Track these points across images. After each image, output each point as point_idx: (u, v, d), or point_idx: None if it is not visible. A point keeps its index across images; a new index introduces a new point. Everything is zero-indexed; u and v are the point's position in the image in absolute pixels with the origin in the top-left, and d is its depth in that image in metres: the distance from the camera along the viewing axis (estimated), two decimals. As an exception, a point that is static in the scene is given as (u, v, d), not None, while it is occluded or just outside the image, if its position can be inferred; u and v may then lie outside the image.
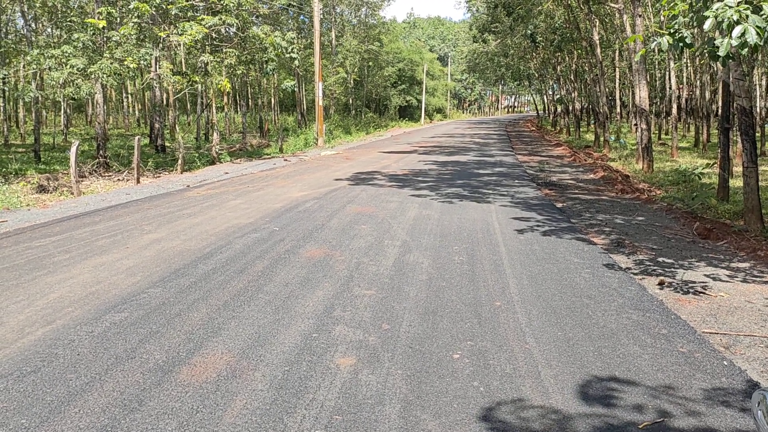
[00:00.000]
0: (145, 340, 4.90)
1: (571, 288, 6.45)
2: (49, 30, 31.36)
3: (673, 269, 7.30)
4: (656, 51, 28.39)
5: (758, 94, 24.30)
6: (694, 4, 6.45)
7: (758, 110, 23.75)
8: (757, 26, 5.65)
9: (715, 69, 25.02)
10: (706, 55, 6.52)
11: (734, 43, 5.65)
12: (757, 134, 14.60)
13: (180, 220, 10.08)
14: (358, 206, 11.45)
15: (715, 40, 5.98)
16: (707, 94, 27.03)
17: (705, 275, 7.06)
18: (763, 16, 5.70)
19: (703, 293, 6.36)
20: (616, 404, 3.93)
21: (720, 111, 13.72)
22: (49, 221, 10.26)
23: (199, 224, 9.72)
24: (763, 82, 25.51)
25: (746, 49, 5.60)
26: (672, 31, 6.62)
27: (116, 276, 6.75)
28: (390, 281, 6.61)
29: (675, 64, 26.80)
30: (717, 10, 5.81)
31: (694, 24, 6.55)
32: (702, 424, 3.70)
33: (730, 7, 5.80)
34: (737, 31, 5.63)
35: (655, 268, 7.37)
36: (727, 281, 6.84)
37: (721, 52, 5.76)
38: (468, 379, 4.27)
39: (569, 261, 7.59)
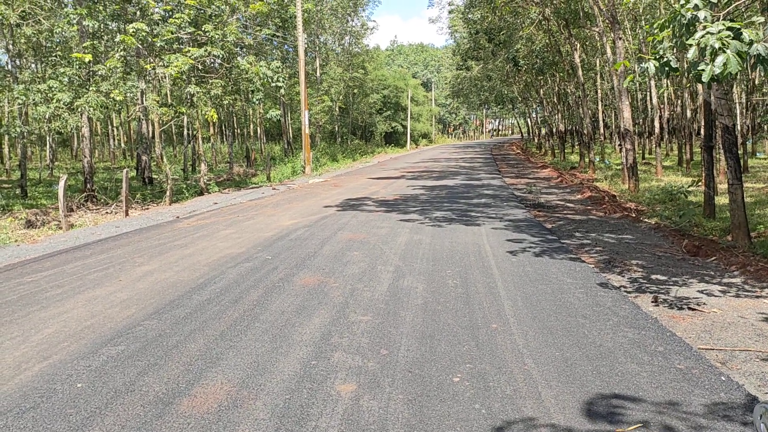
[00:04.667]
0: (143, 373, 4.87)
1: (565, 308, 6.49)
2: (33, 66, 31.39)
3: (665, 287, 7.37)
4: (638, 74, 28.90)
5: (738, 111, 24.72)
6: (677, 32, 6.59)
7: (739, 127, 24.13)
8: (738, 51, 5.80)
9: (695, 88, 25.48)
10: (691, 77, 6.65)
11: (717, 71, 5.78)
12: (739, 151, 14.78)
13: (172, 252, 10.05)
14: (349, 233, 11.47)
15: (699, 64, 6.11)
16: (688, 113, 27.46)
17: (697, 292, 7.13)
18: (744, 41, 5.85)
19: (697, 310, 6.42)
20: (619, 421, 3.95)
21: (702, 130, 13.95)
22: (39, 256, 10.20)
23: (191, 255, 9.71)
24: (743, 100, 25.95)
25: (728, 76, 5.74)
26: (657, 56, 6.76)
27: (111, 309, 6.72)
28: (386, 306, 6.62)
29: (658, 88, 27.22)
30: (700, 38, 5.95)
31: (678, 47, 6.70)
32: (704, 439, 3.74)
33: (712, 34, 5.94)
34: (719, 61, 5.77)
35: (647, 285, 7.43)
36: (719, 297, 6.91)
37: (704, 79, 5.88)
38: (469, 402, 4.28)
39: (562, 281, 7.64)
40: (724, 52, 5.77)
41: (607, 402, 4.24)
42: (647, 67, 6.56)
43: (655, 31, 6.88)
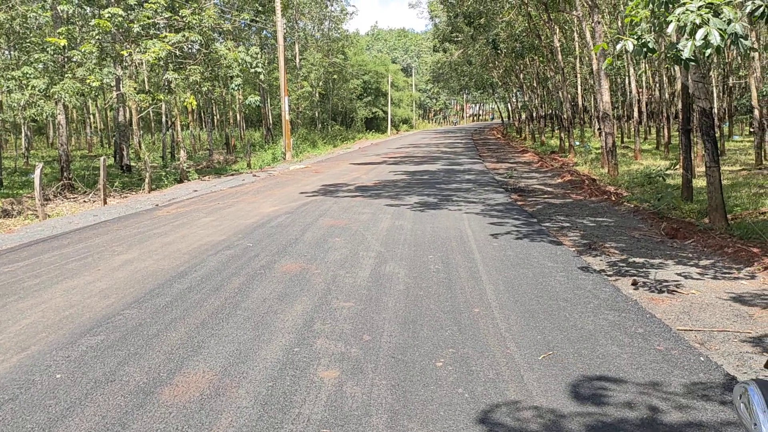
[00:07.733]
0: (124, 363, 4.83)
1: (546, 291, 6.53)
2: (7, 52, 30.79)
3: (644, 269, 7.44)
4: (616, 56, 28.98)
5: (715, 95, 24.94)
6: (656, 11, 6.61)
7: (716, 111, 24.36)
8: (718, 28, 5.83)
9: (673, 72, 25.64)
10: (668, 58, 6.68)
11: (698, 44, 5.80)
12: (716, 134, 14.87)
13: (151, 240, 9.96)
14: (330, 219, 11.44)
15: (678, 44, 6.13)
16: (666, 97, 27.64)
17: (676, 274, 7.21)
18: (723, 19, 5.88)
19: (676, 291, 6.49)
20: (600, 402, 3.98)
21: (680, 113, 14.04)
22: (15, 246, 10.05)
23: (171, 243, 9.62)
24: (720, 83, 26.18)
25: (709, 50, 5.76)
26: (636, 36, 6.78)
27: (89, 299, 6.64)
28: (368, 292, 6.62)
29: (635, 69, 27.34)
30: (679, 14, 5.97)
31: (656, 29, 6.71)
32: (686, 417, 3.78)
33: (692, 11, 5.96)
34: (701, 33, 5.79)
35: (627, 268, 7.50)
36: (697, 279, 6.99)
37: (686, 54, 5.91)
38: (452, 387, 4.30)
39: (543, 265, 7.68)
40: (706, 25, 5.79)
41: (589, 384, 4.27)
42: (625, 45, 6.56)
43: (634, 11, 6.89)
